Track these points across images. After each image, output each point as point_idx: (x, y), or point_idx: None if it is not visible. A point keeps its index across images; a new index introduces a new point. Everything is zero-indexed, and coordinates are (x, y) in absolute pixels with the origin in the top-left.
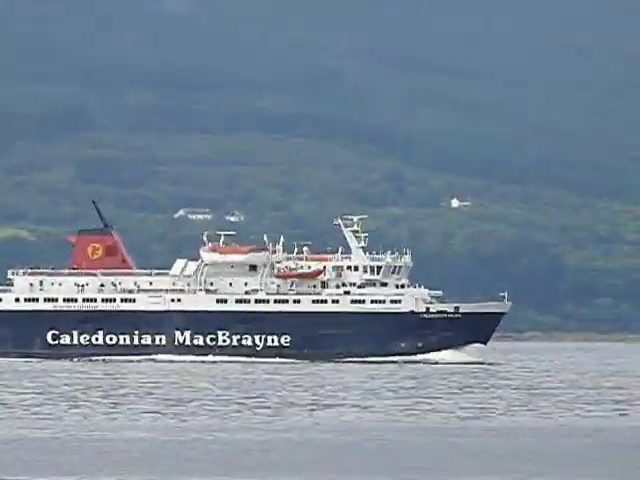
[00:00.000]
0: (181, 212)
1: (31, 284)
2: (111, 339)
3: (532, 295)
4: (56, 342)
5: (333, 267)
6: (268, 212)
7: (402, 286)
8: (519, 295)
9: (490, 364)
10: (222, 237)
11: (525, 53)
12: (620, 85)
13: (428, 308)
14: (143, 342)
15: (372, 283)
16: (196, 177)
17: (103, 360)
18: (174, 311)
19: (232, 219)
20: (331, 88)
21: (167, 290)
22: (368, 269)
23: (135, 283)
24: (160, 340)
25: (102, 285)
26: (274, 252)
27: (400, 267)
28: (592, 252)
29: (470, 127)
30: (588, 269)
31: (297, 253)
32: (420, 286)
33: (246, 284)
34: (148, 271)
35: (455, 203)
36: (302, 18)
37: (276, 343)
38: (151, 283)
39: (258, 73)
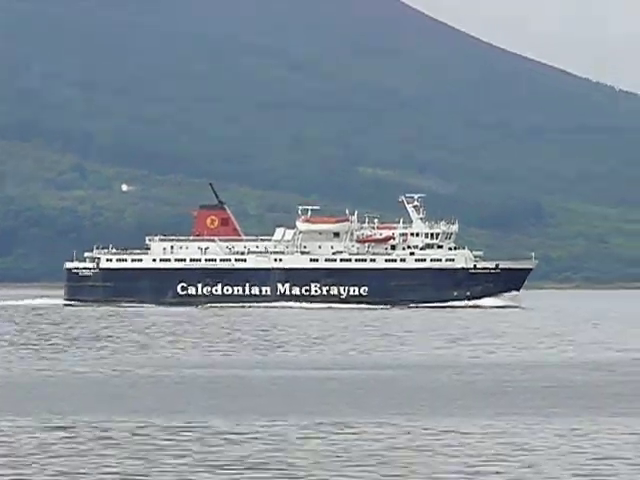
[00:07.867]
0: None
1: (164, 248)
2: (227, 290)
3: None
4: (184, 293)
5: (400, 234)
6: None
7: (455, 248)
8: None
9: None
10: (309, 211)
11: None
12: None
13: (475, 265)
14: (252, 292)
15: (431, 246)
16: None
17: (220, 307)
18: (276, 268)
19: None
20: (30, 103)
21: (270, 252)
22: (428, 235)
23: (245, 246)
24: (266, 291)
25: (219, 248)
26: (352, 222)
27: (451, 233)
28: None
29: (134, 132)
30: None
31: (369, 223)
32: (465, 248)
33: (332, 247)
34: (255, 237)
35: (125, 187)
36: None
37: (356, 293)
38: (257, 246)
39: None
